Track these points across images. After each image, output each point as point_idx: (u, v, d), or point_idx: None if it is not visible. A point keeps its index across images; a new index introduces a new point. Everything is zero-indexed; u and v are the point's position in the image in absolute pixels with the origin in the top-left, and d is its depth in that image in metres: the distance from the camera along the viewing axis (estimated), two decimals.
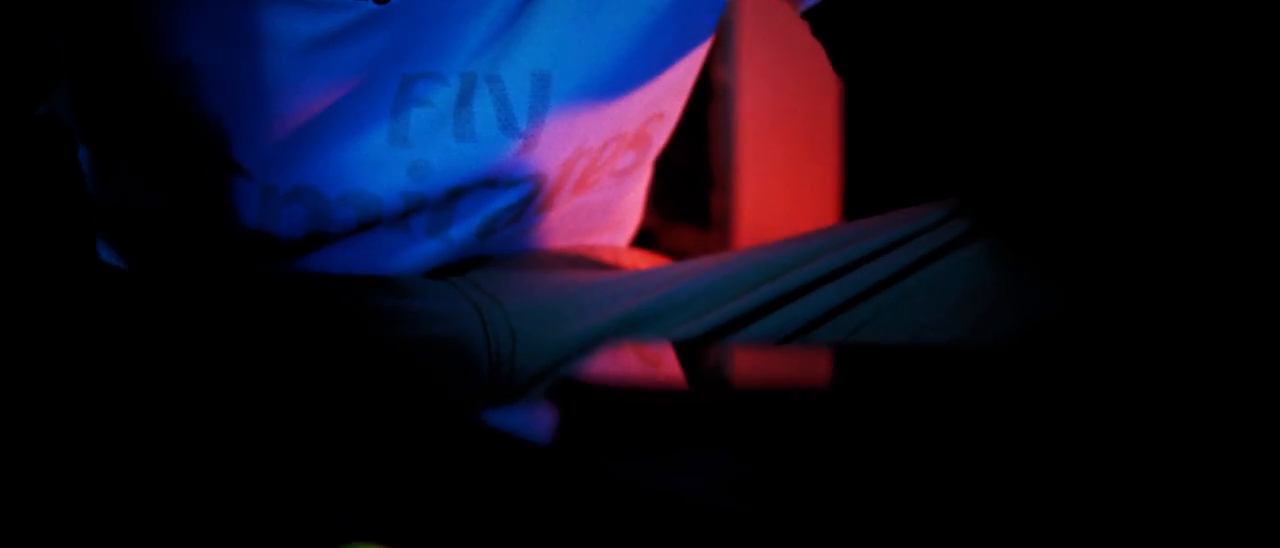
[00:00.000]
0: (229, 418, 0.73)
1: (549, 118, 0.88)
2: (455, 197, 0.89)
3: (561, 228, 0.97)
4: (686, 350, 0.62)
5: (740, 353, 0.63)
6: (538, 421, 0.54)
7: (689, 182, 1.49)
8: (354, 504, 0.65)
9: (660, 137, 0.98)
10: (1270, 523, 0.60)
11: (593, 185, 0.96)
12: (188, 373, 0.75)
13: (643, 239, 1.13)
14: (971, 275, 0.86)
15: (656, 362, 0.58)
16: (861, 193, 1.53)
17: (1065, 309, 0.84)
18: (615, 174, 0.97)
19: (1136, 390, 0.77)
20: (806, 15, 0.84)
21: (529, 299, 0.89)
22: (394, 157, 0.87)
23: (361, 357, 0.82)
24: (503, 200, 0.91)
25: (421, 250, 0.91)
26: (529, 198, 0.92)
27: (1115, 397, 0.72)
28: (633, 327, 0.87)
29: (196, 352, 0.77)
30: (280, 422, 0.75)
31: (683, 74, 0.95)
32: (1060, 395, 0.65)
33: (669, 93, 0.95)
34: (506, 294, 0.89)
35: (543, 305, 0.88)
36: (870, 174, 1.53)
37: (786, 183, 1.53)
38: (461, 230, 0.91)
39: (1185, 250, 0.80)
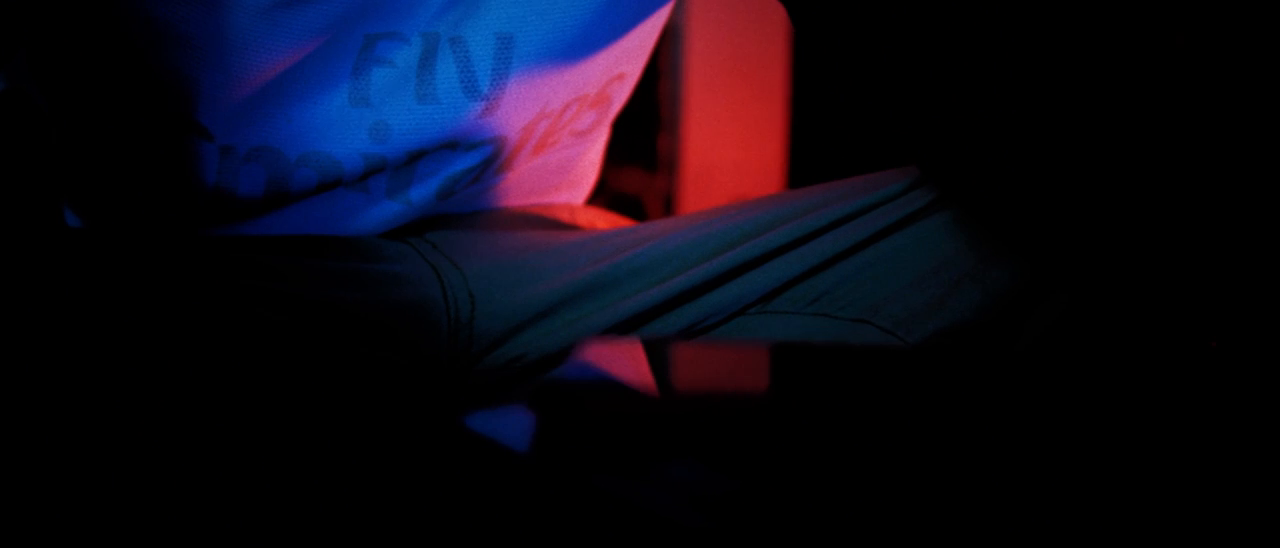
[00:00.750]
0: (180, 386, 0.72)
1: (512, 80, 0.87)
2: (415, 158, 0.89)
3: (520, 187, 0.96)
4: (666, 353, 0.62)
5: (718, 354, 0.63)
6: (517, 426, 0.54)
7: (637, 123, 1.48)
8: (315, 494, 0.65)
9: (621, 97, 0.97)
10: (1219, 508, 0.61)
11: (553, 146, 0.95)
12: (140, 336, 0.75)
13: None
14: (933, 249, 0.86)
15: (637, 365, 0.58)
16: (809, 138, 1.53)
17: (1029, 286, 0.84)
18: (575, 134, 0.96)
19: (1102, 376, 0.78)
20: None
21: (488, 262, 0.88)
22: (354, 118, 0.86)
23: (321, 322, 0.81)
24: (463, 162, 0.90)
25: (381, 211, 0.90)
26: (489, 159, 0.91)
27: (1082, 383, 0.73)
28: (591, 293, 0.87)
29: (150, 314, 0.76)
30: (234, 395, 0.74)
31: (645, 35, 0.94)
32: (1037, 392, 0.66)
33: (631, 54, 0.94)
34: (465, 257, 0.88)
35: (501, 269, 0.88)
36: (818, 119, 1.53)
37: (734, 126, 1.52)
38: (421, 192, 0.90)
39: (1152, 230, 0.81)
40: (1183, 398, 0.73)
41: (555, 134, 0.94)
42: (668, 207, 1.52)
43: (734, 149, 1.52)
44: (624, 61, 0.94)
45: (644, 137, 1.50)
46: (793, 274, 0.86)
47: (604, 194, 1.26)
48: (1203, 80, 0.81)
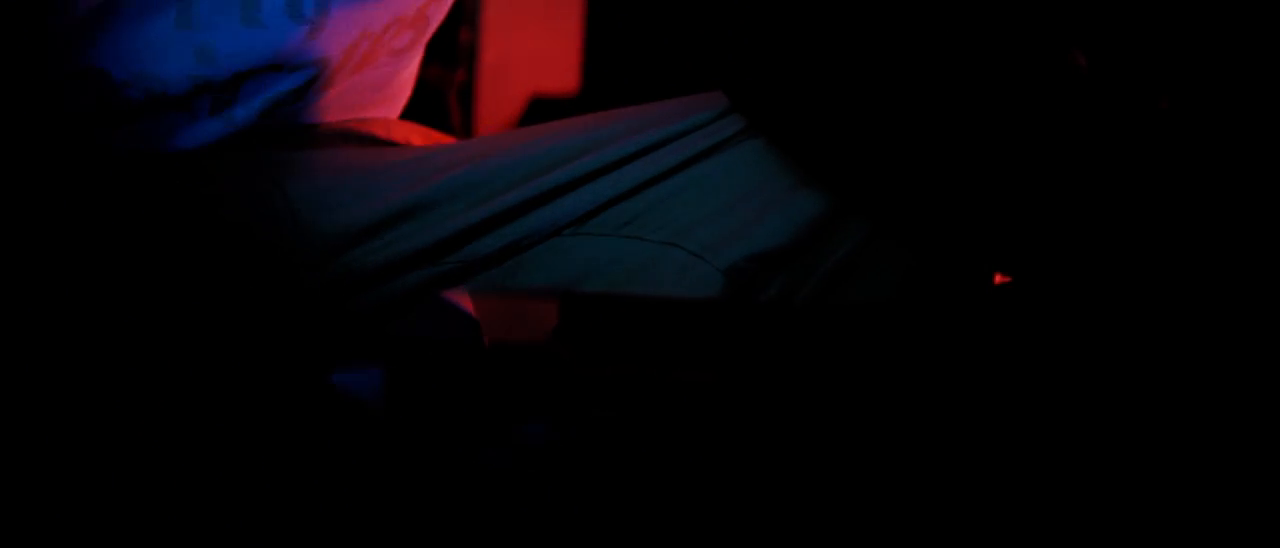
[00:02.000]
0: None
1: (335, 4, 0.89)
2: (240, 80, 0.90)
3: (340, 104, 0.98)
4: (515, 309, 0.65)
5: (558, 308, 0.66)
6: (373, 384, 0.57)
7: None
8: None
9: (438, 16, 1.00)
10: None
11: (371, 64, 0.97)
12: None
13: None
14: (741, 176, 0.90)
15: (487, 316, 0.61)
16: (606, 34, 1.56)
17: (832, 214, 0.89)
18: (393, 53, 0.98)
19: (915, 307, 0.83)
20: None
21: (309, 182, 0.90)
22: (181, 40, 0.87)
23: (143, 244, 0.83)
24: (287, 83, 0.92)
25: (204, 130, 0.92)
26: (312, 80, 0.93)
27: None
28: (412, 213, 0.89)
29: None
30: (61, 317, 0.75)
31: None
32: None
33: None
34: (286, 176, 0.90)
35: (322, 189, 0.90)
36: (615, 16, 1.55)
37: (532, 20, 1.54)
38: (245, 111, 0.92)
39: (948, 163, 0.85)
40: (970, 334, 0.78)
41: (375, 53, 0.96)
42: (465, 98, 1.54)
43: (532, 42, 1.54)
44: None
45: (443, 29, 1.51)
46: (605, 198, 0.90)
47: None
48: (996, 15, 0.85)
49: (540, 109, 1.54)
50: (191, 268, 0.83)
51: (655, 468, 0.56)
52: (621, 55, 1.55)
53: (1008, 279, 0.90)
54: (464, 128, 1.52)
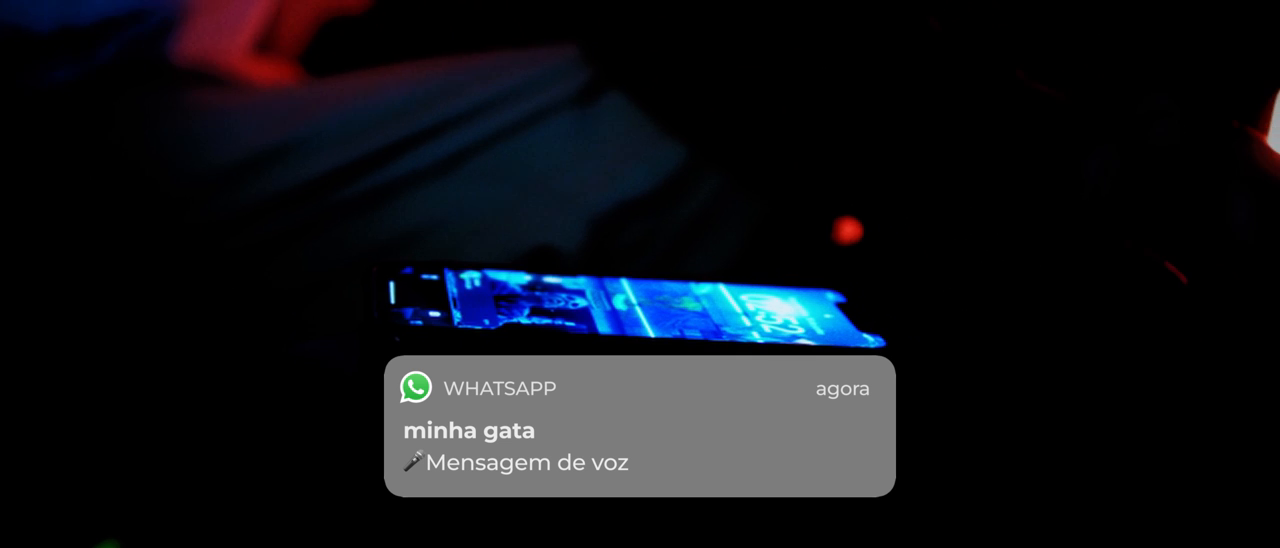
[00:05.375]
0: None
1: None
2: (105, 28, 0.90)
3: (196, 38, 0.98)
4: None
5: None
6: (344, 349, 0.58)
7: None
8: None
9: None
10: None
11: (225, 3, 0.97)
12: None
13: None
14: (603, 125, 0.92)
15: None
16: None
17: (692, 164, 0.92)
18: None
19: None
20: None
21: (181, 122, 0.90)
22: None
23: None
24: (146, 26, 0.92)
25: (67, 73, 0.91)
26: (170, 21, 0.92)
27: None
28: (277, 157, 0.90)
29: None
30: None
31: None
32: None
33: None
34: (158, 115, 0.90)
35: (191, 129, 0.90)
36: None
37: None
38: (106, 53, 0.91)
39: (798, 117, 0.88)
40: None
41: None
42: None
43: None
44: None
45: None
46: (467, 143, 0.91)
47: None
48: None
49: (333, 26, 1.53)
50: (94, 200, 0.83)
51: None
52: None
53: (861, 228, 0.94)
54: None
